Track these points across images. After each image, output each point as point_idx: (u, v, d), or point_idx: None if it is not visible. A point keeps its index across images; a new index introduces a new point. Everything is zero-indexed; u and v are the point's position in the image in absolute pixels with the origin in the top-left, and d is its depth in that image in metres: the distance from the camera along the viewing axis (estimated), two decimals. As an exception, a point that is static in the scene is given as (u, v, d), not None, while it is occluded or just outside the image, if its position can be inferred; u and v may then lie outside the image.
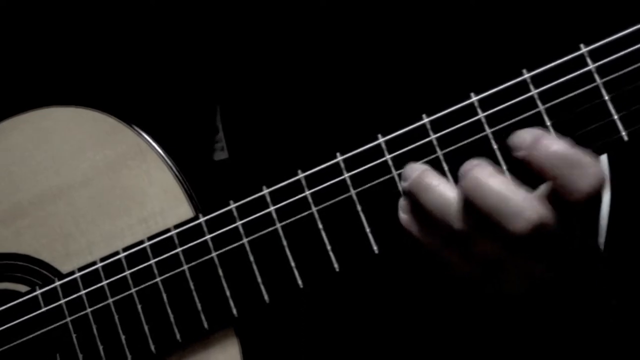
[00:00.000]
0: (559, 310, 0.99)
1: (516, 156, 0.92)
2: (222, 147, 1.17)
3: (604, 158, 1.08)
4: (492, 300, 1.00)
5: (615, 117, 0.93)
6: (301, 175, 1.03)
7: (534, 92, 0.96)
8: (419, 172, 0.96)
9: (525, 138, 0.92)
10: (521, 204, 0.90)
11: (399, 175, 0.99)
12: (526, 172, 0.93)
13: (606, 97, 0.93)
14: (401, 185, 0.97)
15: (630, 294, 1.04)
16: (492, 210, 0.90)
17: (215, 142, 1.18)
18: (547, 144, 0.91)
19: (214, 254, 1.06)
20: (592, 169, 0.90)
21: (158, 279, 1.08)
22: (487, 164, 0.93)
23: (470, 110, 0.97)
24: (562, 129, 0.95)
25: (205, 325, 1.06)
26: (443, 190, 0.94)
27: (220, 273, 1.05)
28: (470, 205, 0.92)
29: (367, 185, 1.01)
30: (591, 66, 0.94)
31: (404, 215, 0.97)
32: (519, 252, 0.93)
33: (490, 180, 0.91)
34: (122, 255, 1.09)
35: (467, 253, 0.95)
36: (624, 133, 0.93)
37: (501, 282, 0.96)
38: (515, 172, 0.95)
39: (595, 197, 0.91)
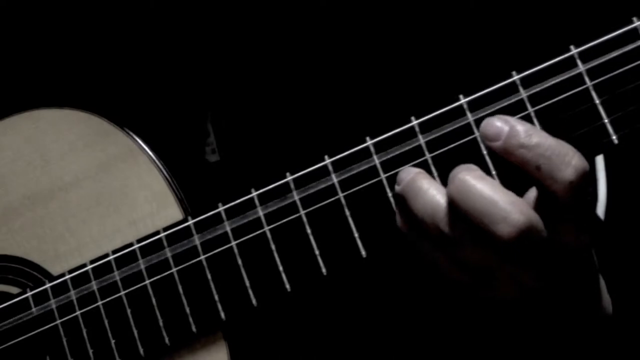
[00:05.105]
0: (552, 316, 0.97)
1: (491, 146, 0.91)
2: (213, 150, 1.17)
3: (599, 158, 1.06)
4: (484, 304, 0.98)
5: (606, 120, 0.91)
6: (289, 177, 1.02)
7: (524, 94, 0.94)
8: (411, 176, 0.94)
9: (500, 128, 0.91)
10: (509, 207, 0.89)
11: (387, 178, 0.98)
12: (515, 177, 0.92)
13: (596, 100, 0.92)
14: (395, 189, 0.96)
15: (628, 294, 1.02)
16: (479, 213, 0.89)
17: (207, 145, 1.17)
18: (526, 135, 0.89)
19: (202, 257, 1.05)
20: (575, 157, 0.89)
21: (147, 282, 1.07)
22: (475, 168, 0.92)
23: (459, 113, 0.96)
24: (551, 131, 0.93)
25: (194, 328, 1.05)
26: (433, 194, 0.93)
27: (209, 276, 1.04)
28: (458, 209, 0.90)
29: (355, 189, 0.99)
30: (581, 68, 0.92)
31: (397, 218, 0.96)
32: (507, 259, 0.91)
33: (479, 183, 0.90)
34: (111, 257, 1.08)
35: (456, 258, 0.93)
36: (614, 137, 0.91)
37: (492, 289, 0.94)
38: (504, 178, 0.94)
39: (580, 190, 0.89)
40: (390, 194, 0.98)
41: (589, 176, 0.90)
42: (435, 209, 0.92)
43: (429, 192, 0.93)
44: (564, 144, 0.90)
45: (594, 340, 0.99)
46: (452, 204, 0.91)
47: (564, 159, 0.89)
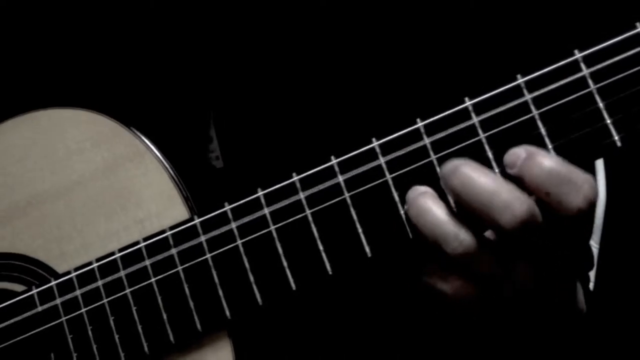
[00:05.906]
0: (536, 314, 0.99)
1: (509, 173, 0.93)
2: (217, 157, 1.18)
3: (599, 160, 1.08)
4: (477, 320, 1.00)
5: (609, 121, 0.93)
6: (296, 177, 1.03)
7: (528, 97, 0.96)
8: (415, 195, 0.97)
9: (518, 155, 0.92)
10: (510, 196, 0.92)
11: (393, 178, 0.99)
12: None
13: (600, 103, 0.93)
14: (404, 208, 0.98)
15: (625, 293, 1.04)
16: (482, 204, 0.92)
17: (210, 152, 1.18)
18: (539, 161, 0.91)
19: (208, 256, 1.06)
20: (585, 186, 0.91)
21: (152, 280, 1.08)
22: (472, 161, 0.94)
23: (464, 115, 0.98)
24: (555, 134, 0.95)
25: (199, 327, 1.06)
26: (438, 211, 0.95)
27: (214, 275, 1.05)
28: (461, 202, 0.93)
29: (361, 189, 1.01)
30: (585, 72, 0.94)
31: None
32: (512, 252, 0.93)
33: (481, 176, 0.93)
34: (117, 255, 1.09)
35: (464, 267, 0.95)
36: (616, 138, 0.93)
37: (495, 297, 0.96)
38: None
39: (587, 213, 0.91)
40: (395, 194, 0.99)
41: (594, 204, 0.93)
42: (440, 220, 0.95)
43: (433, 210, 0.95)
44: (576, 171, 0.92)
45: (569, 336, 1.01)
46: (456, 198, 0.93)
47: (575, 186, 0.91)
